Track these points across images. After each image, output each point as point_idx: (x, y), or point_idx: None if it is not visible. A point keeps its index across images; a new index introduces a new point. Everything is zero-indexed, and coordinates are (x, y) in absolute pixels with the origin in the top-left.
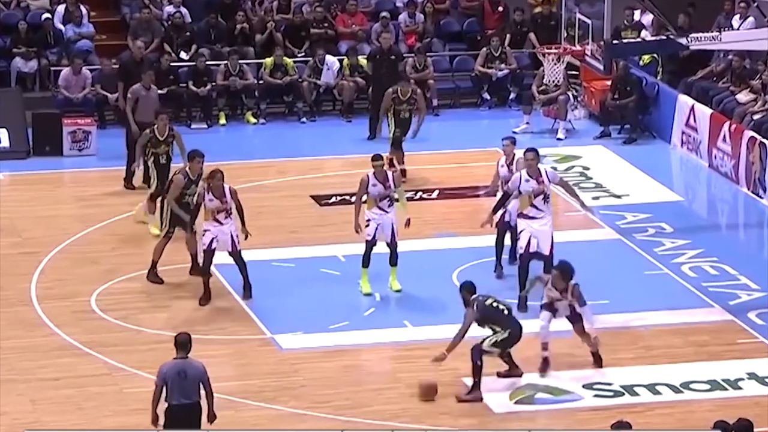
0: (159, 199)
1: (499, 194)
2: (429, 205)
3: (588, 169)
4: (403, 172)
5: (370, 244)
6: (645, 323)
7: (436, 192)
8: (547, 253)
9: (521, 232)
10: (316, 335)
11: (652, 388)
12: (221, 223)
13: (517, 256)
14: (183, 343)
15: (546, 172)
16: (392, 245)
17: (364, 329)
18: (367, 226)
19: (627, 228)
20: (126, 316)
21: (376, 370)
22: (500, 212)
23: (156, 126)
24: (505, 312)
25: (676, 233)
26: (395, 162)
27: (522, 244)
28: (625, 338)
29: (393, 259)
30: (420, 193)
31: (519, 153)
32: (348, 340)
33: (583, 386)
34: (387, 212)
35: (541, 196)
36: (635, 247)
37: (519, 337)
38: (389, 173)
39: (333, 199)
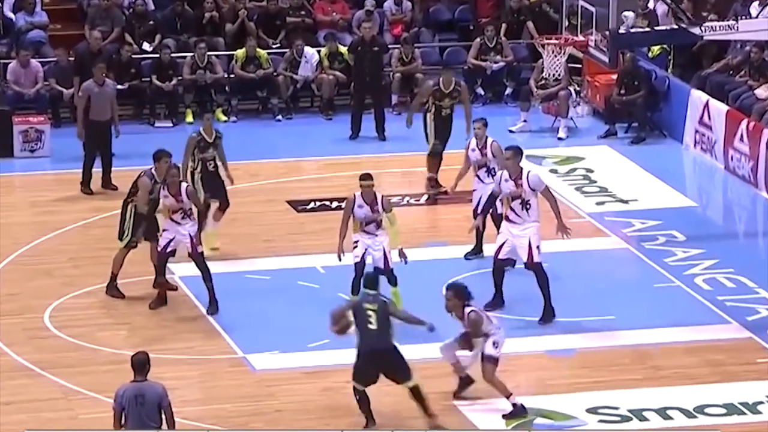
0: (130, 205)
1: (479, 187)
2: (417, 211)
3: (592, 171)
4: (434, 181)
5: (360, 266)
6: (655, 341)
7: (425, 196)
8: (526, 261)
9: (499, 234)
10: (292, 355)
11: (662, 412)
12: (178, 223)
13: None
14: (140, 364)
15: (528, 176)
16: (385, 271)
17: (346, 348)
18: (354, 248)
19: (635, 236)
20: (83, 333)
21: None
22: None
23: (203, 127)
24: (371, 326)
25: (689, 242)
26: (430, 173)
27: (496, 246)
28: (632, 357)
29: (391, 279)
30: (407, 198)
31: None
32: (328, 360)
33: (587, 410)
34: (376, 235)
35: (519, 201)
36: (644, 257)
37: (369, 364)
38: (378, 195)
39: (311, 205)
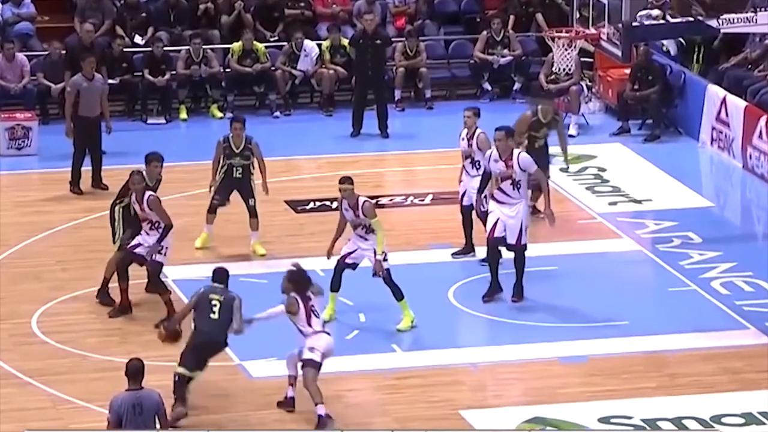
0: (118, 207)
1: (465, 179)
2: (421, 211)
3: (604, 170)
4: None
5: (339, 264)
6: (670, 347)
7: (430, 197)
8: (514, 242)
9: (489, 213)
10: None
11: (678, 422)
12: (147, 233)
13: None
14: (135, 372)
15: (518, 156)
16: (383, 279)
17: (346, 355)
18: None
19: (649, 238)
20: (72, 339)
21: (360, 401)
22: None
23: (231, 135)
24: (213, 316)
25: (706, 244)
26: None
27: (487, 227)
28: (647, 364)
29: (395, 293)
30: (411, 198)
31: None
32: (328, 368)
33: (599, 420)
34: (366, 239)
35: (509, 181)
36: (658, 259)
37: (202, 351)
38: (360, 200)
39: (311, 205)
